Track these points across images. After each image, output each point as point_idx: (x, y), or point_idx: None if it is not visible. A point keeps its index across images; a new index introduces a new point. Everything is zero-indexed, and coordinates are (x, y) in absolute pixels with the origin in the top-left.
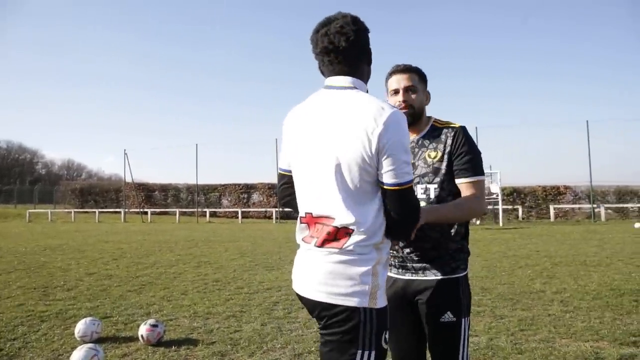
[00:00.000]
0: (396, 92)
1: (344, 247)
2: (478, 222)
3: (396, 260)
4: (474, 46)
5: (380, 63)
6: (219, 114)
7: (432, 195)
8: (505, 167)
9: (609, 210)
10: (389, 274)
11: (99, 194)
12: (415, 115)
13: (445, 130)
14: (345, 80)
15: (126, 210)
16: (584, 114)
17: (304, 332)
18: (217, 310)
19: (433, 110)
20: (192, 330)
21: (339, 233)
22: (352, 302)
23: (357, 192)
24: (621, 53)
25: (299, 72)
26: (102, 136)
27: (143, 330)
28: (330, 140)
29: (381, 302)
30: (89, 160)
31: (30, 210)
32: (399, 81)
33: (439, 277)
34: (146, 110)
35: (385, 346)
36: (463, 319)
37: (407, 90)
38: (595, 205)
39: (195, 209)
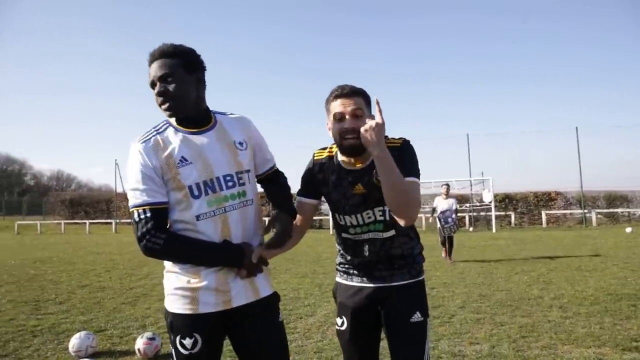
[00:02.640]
0: (341, 117)
1: None
2: (471, 228)
3: (360, 270)
4: (464, 52)
5: (363, 69)
6: None
7: (387, 217)
8: (497, 174)
9: (600, 216)
10: (352, 283)
11: (89, 204)
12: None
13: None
14: None
15: (117, 221)
16: (574, 120)
17: (303, 343)
18: None
19: (423, 116)
20: None
21: None
22: None
23: None
24: (612, 59)
25: (281, 82)
26: (90, 146)
27: (140, 343)
28: None
29: (171, 307)
30: (78, 171)
31: (18, 222)
32: (345, 105)
33: (407, 281)
34: (136, 120)
35: (183, 351)
36: (427, 319)
37: (354, 115)
38: (586, 211)
39: None
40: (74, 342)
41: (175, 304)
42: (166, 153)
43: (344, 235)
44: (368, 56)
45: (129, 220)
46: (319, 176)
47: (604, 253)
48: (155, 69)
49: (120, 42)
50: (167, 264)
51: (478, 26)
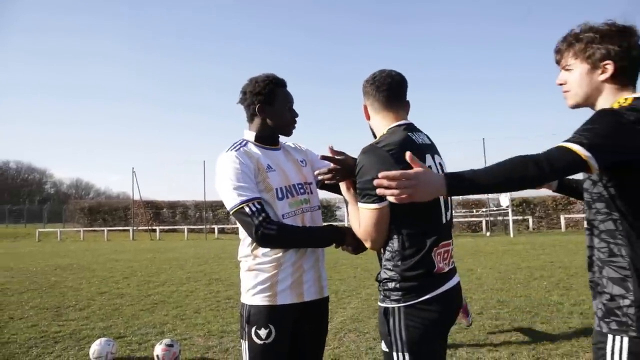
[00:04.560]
0: None
1: None
2: (488, 233)
3: None
4: (480, 58)
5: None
6: (227, 130)
7: None
8: None
9: None
10: None
11: (108, 212)
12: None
13: None
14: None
15: (135, 228)
16: None
17: None
18: (232, 328)
19: (440, 122)
20: (207, 349)
21: None
22: None
23: None
24: None
25: (309, 88)
26: (108, 155)
27: (158, 350)
28: None
29: (250, 300)
30: (97, 179)
31: (39, 230)
32: None
33: (380, 304)
34: (153, 127)
35: (257, 341)
36: (395, 354)
37: None
38: None
39: (204, 226)
40: (95, 348)
41: (255, 297)
42: (255, 159)
43: None
44: (382, 63)
45: (145, 228)
46: None
47: None
48: (291, 96)
49: (138, 46)
50: (248, 264)
51: (493, 33)
